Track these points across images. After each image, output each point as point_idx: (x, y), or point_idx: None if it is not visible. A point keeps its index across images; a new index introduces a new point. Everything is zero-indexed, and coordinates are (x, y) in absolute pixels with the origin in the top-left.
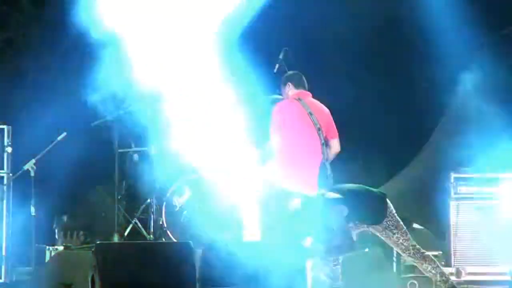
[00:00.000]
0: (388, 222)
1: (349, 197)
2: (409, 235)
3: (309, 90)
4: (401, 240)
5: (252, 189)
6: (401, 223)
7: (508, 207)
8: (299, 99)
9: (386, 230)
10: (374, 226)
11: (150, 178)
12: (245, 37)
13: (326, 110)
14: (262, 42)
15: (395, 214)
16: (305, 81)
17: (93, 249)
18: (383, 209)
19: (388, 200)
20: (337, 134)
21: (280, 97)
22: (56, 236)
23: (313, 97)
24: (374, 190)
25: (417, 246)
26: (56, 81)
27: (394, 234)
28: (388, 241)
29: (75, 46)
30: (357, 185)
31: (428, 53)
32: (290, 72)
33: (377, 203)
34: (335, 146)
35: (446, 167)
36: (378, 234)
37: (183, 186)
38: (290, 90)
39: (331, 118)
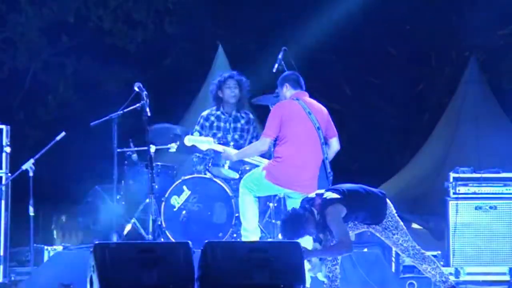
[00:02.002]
0: (388, 223)
1: (348, 197)
2: (409, 236)
3: (307, 90)
4: (400, 241)
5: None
6: (401, 223)
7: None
8: (297, 99)
9: (386, 231)
10: (373, 226)
11: (148, 178)
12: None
13: (324, 109)
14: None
15: (395, 215)
16: (302, 81)
17: (91, 249)
18: (383, 209)
19: (388, 200)
20: (336, 132)
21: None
22: (55, 236)
23: (311, 96)
24: (374, 190)
25: (417, 247)
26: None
27: (394, 234)
28: (387, 242)
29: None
30: (357, 184)
31: (429, 53)
32: (287, 73)
33: (377, 203)
34: (335, 144)
35: (445, 167)
36: (377, 234)
37: (182, 186)
38: (288, 91)
39: (330, 117)
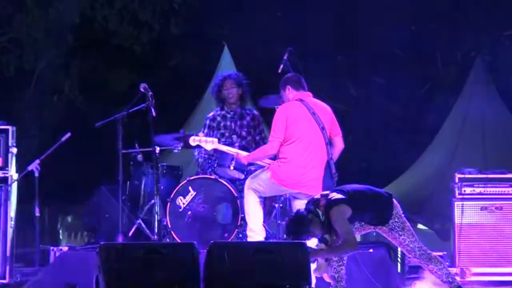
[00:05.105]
0: (394, 223)
1: (353, 197)
2: (415, 237)
3: (311, 90)
4: (407, 242)
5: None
6: (408, 224)
7: None
8: (300, 100)
9: (393, 231)
10: (380, 227)
11: (154, 179)
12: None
13: (329, 108)
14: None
15: (402, 215)
16: (305, 82)
17: (97, 250)
18: (389, 210)
19: (395, 201)
20: (340, 131)
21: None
22: (61, 237)
23: (315, 96)
24: (380, 190)
25: (424, 248)
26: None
27: (400, 235)
28: (394, 242)
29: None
30: (363, 185)
31: (434, 54)
32: (288, 75)
33: (383, 204)
34: (339, 143)
35: (451, 168)
36: (384, 235)
37: (188, 187)
38: (291, 93)
39: (334, 116)
